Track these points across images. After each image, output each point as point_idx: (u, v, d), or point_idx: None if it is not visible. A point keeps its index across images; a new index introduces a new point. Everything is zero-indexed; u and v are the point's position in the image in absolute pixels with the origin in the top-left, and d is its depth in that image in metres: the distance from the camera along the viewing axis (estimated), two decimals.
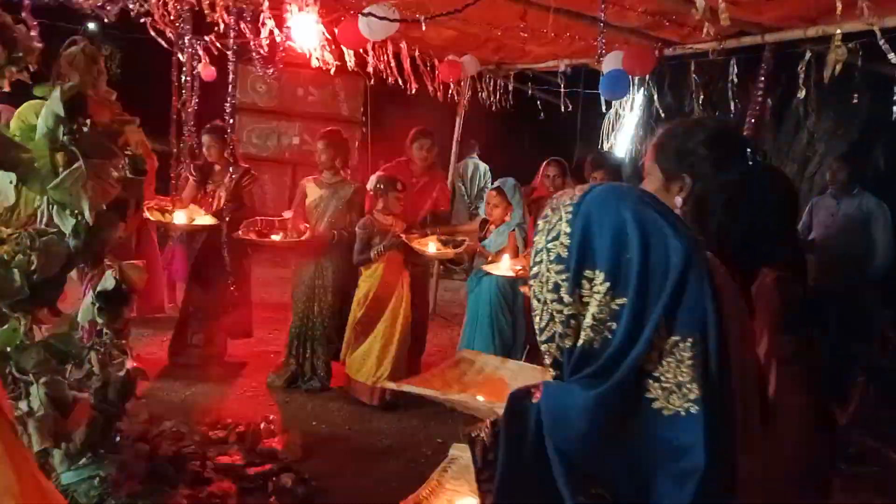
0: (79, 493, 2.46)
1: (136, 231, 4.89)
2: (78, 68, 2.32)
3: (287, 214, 5.14)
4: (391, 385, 2.99)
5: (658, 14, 3.56)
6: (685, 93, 5.35)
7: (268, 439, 3.66)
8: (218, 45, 3.82)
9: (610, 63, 4.62)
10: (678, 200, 1.59)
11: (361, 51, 4.93)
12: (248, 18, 3.39)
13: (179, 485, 2.89)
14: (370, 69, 5.41)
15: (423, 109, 6.88)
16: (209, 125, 4.89)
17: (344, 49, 4.79)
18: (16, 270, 2.08)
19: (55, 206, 2.14)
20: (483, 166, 9.58)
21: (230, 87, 3.28)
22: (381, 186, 4.71)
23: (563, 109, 6.00)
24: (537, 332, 1.19)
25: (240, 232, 4.72)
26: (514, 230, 4.82)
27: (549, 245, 1.18)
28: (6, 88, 2.37)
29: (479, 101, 6.67)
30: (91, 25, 8.11)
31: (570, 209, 1.18)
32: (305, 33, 3.94)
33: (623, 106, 6.10)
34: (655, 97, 5.63)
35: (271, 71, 3.20)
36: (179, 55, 3.82)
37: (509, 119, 7.19)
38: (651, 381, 1.09)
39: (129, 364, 2.59)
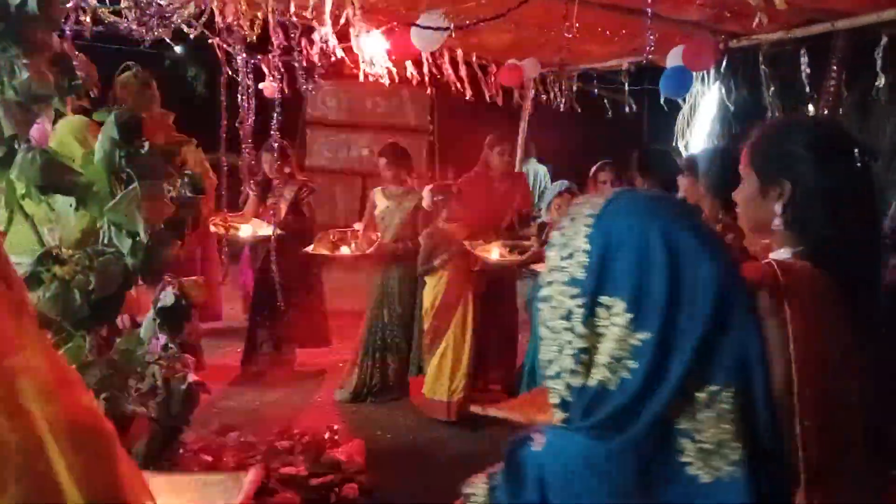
0: None
1: (201, 246, 5.08)
2: (131, 92, 2.38)
3: (358, 226, 5.26)
4: (477, 409, 2.92)
5: (717, 6, 3.42)
6: (759, 85, 5.14)
7: (332, 449, 3.69)
8: (278, 61, 3.91)
9: (673, 59, 4.48)
10: (777, 207, 1.46)
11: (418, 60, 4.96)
12: (297, 34, 3.45)
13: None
14: (427, 78, 5.43)
15: (489, 115, 6.85)
16: (267, 142, 5.04)
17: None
18: (76, 290, 2.14)
19: (113, 227, 2.20)
20: (542, 169, 9.44)
21: (276, 104, 3.34)
22: (441, 197, 4.70)
23: (628, 109, 5.86)
24: (544, 365, 1.02)
25: (311, 248, 4.86)
26: None
27: (564, 263, 1.00)
28: (68, 115, 2.46)
29: (544, 104, 6.60)
30: (177, 49, 8.47)
31: (590, 221, 1.00)
32: (363, 46, 3.99)
33: (697, 102, 5.92)
34: (724, 91, 5.43)
35: (311, 87, 3.24)
36: (229, 71, 3.91)
37: (575, 121, 7.09)
38: (684, 441, 0.92)
39: (191, 378, 2.64)
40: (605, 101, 6.37)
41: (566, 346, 0.97)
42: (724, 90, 5.48)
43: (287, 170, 5.21)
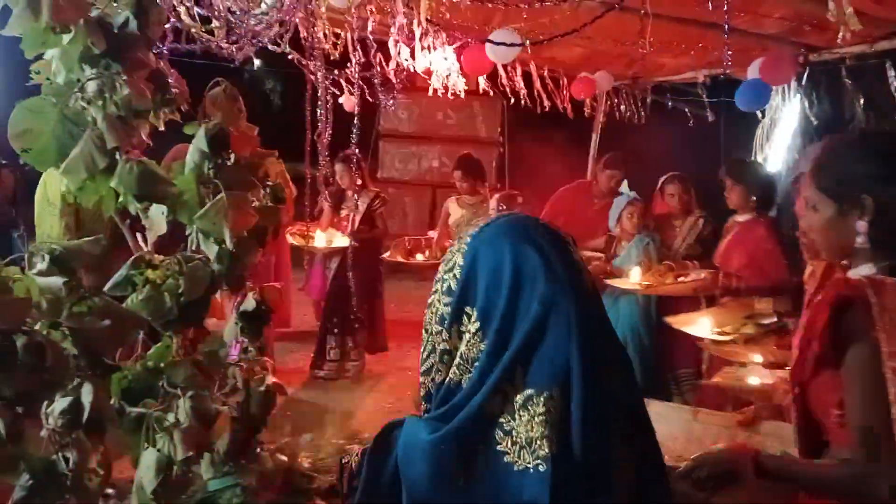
0: (223, 499, 2.63)
1: (275, 252, 5.27)
2: (220, 107, 2.49)
3: (432, 234, 5.35)
4: None
5: (796, 19, 3.36)
6: (843, 99, 4.98)
7: None
8: (356, 76, 4.04)
9: (753, 72, 4.41)
10: (861, 225, 1.44)
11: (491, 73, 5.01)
12: (374, 50, 3.56)
13: (314, 496, 3.03)
14: (504, 90, 5.48)
15: (560, 127, 6.86)
16: (341, 154, 5.18)
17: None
18: (166, 293, 2.25)
19: (201, 234, 2.31)
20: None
21: (355, 117, 3.45)
22: (504, 206, 4.74)
23: (708, 119, 5.78)
24: (421, 361, 1.15)
25: (388, 254, 4.98)
26: (648, 242, 4.63)
27: (445, 276, 1.14)
28: (161, 128, 2.61)
29: (616, 116, 6.56)
30: (256, 62, 8.79)
31: (468, 240, 1.14)
32: (436, 61, 4.07)
33: (777, 115, 5.78)
34: (806, 104, 5.28)
35: (391, 102, 3.33)
36: (311, 86, 4.06)
37: (648, 133, 7.02)
38: (502, 434, 1.03)
39: (270, 380, 2.74)
40: (687, 112, 6.27)
41: (437, 346, 1.11)
42: (806, 103, 5.34)
43: (359, 181, 5.34)
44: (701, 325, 3.53)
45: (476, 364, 1.05)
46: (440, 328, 1.11)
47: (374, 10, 3.08)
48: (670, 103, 6.38)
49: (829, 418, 1.44)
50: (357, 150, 5.05)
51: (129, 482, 2.17)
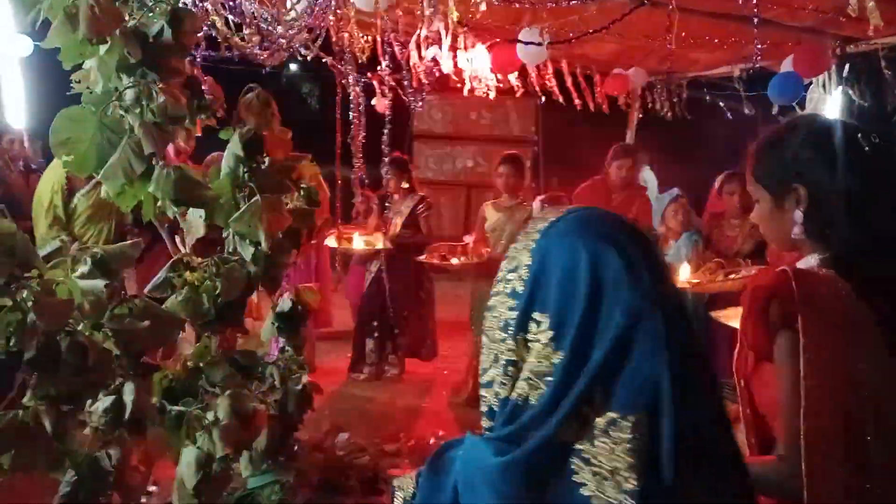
0: (262, 496, 2.68)
1: (315, 254, 5.32)
2: (254, 112, 2.54)
3: (468, 239, 5.32)
4: None
5: (831, 10, 3.29)
6: (884, 89, 4.88)
7: None
8: (387, 78, 4.08)
9: (788, 65, 4.35)
10: (798, 215, 1.39)
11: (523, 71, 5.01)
12: (405, 53, 3.60)
13: (351, 494, 3.07)
14: (537, 88, 5.48)
15: (594, 124, 6.81)
16: (389, 157, 5.16)
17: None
18: (204, 295, 2.30)
19: (237, 237, 2.37)
20: (653, 179, 9.15)
21: (386, 119, 3.48)
22: (548, 209, 4.69)
23: (746, 113, 5.71)
24: (481, 371, 1.01)
25: (423, 256, 4.97)
26: (696, 239, 4.58)
27: (509, 276, 0.99)
28: (198, 133, 2.67)
29: (651, 112, 6.51)
30: (293, 66, 8.93)
31: (536, 237, 0.99)
32: (468, 61, 4.09)
33: (818, 107, 5.69)
34: (849, 95, 5.17)
35: (420, 103, 3.35)
36: (347, 90, 4.11)
37: (684, 128, 6.94)
38: (580, 463, 0.90)
39: (306, 379, 2.79)
40: (721, 105, 6.19)
41: (500, 356, 0.97)
42: (848, 94, 5.22)
43: (405, 185, 5.33)
44: None
45: (548, 379, 0.92)
46: (504, 335, 0.97)
47: (402, 13, 3.11)
48: (707, 98, 6.31)
49: (772, 412, 1.39)
50: (401, 154, 5.03)
51: (170, 479, 2.22)
